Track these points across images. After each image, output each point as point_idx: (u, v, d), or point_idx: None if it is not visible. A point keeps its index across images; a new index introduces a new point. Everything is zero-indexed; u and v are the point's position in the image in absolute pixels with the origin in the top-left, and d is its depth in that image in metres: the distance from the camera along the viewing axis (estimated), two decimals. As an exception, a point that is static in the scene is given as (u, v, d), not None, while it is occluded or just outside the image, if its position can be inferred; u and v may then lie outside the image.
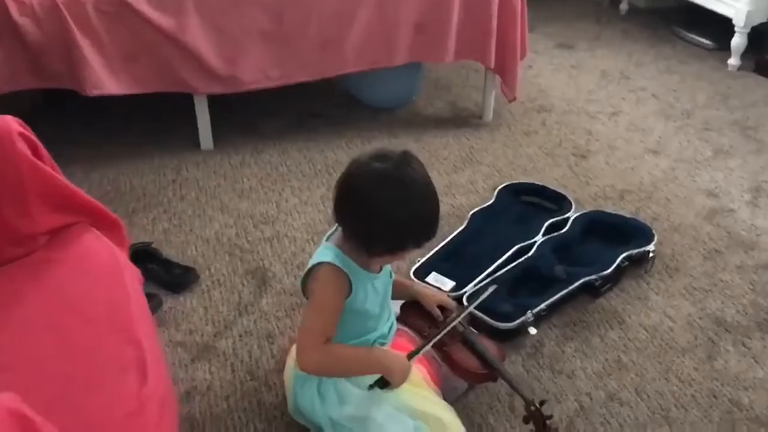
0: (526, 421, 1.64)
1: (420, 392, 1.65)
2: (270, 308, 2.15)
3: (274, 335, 2.05)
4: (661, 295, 2.21)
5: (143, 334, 1.47)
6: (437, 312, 1.81)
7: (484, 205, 2.53)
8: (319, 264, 1.54)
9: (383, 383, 1.58)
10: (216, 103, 2.92)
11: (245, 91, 2.85)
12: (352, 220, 1.51)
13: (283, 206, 2.63)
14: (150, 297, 2.11)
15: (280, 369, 1.88)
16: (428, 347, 1.68)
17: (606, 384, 1.90)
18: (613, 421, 1.80)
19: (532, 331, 2.03)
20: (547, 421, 1.60)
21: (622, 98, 3.48)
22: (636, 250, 2.28)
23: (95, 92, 2.65)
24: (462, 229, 2.41)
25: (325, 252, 1.56)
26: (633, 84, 3.62)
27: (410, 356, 1.62)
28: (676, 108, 3.38)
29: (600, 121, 3.26)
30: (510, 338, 2.00)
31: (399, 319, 1.80)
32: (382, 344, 1.68)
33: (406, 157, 1.51)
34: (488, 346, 1.80)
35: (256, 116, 3.21)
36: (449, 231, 2.44)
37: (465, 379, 1.79)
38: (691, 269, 2.32)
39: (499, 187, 2.62)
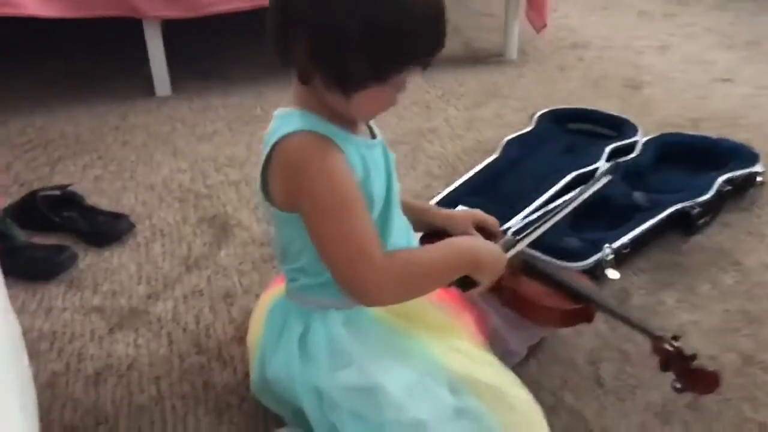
0: (664, 366, 1.01)
1: (463, 347, 1.00)
2: (231, 261, 1.51)
3: (234, 294, 1.40)
4: (780, 229, 1.57)
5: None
6: (477, 234, 1.17)
7: (522, 132, 1.91)
8: (287, 137, 0.90)
9: (466, 282, 1.03)
10: (175, 45, 2.33)
11: (206, 17, 2.25)
12: (310, 29, 0.85)
13: (256, 148, 2.00)
14: (56, 251, 1.48)
15: (242, 336, 1.24)
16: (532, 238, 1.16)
17: (735, 343, 1.25)
18: (762, 393, 1.15)
19: (613, 274, 1.38)
20: (692, 363, 0.98)
21: (670, 34, 2.88)
22: (739, 172, 1.64)
23: (9, 11, 2.05)
24: (495, 158, 1.78)
25: (286, 120, 0.92)
26: (679, 21, 3.03)
27: (504, 245, 1.10)
28: (736, 39, 2.79)
29: (649, 55, 2.66)
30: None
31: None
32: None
33: None
34: (567, 273, 1.17)
35: (223, 61, 2.61)
36: (475, 165, 1.82)
37: (546, 322, 1.16)
38: (813, 199, 1.68)
39: (539, 113, 2.00)
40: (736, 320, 1.30)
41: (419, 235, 1.18)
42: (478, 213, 1.21)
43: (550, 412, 1.11)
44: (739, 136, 1.98)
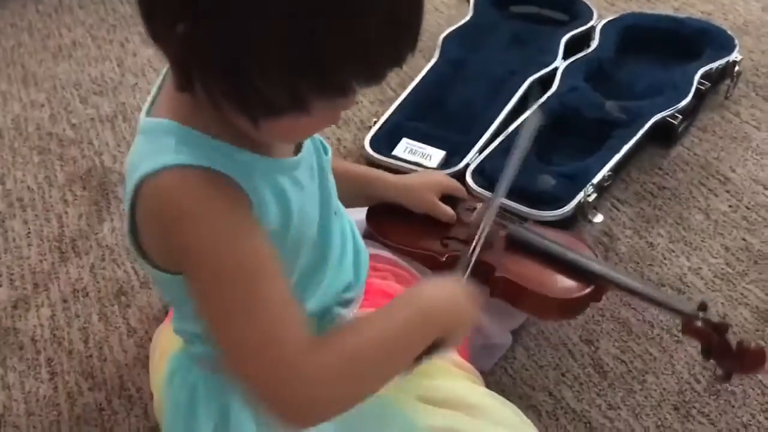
0: (707, 353, 0.81)
1: (441, 389, 0.75)
2: (118, 238, 1.18)
3: (128, 288, 1.09)
4: (763, 129, 1.37)
5: None
6: (445, 210, 0.89)
7: (459, 24, 1.58)
8: (156, 176, 0.54)
9: (432, 347, 0.66)
10: None
11: None
12: (207, 22, 0.49)
13: (130, 63, 1.59)
14: None
15: (147, 356, 0.94)
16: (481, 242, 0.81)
17: (744, 294, 1.06)
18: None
19: (597, 217, 1.16)
20: (728, 336, 0.79)
21: None
22: (716, 63, 1.40)
23: None
24: (434, 64, 1.46)
25: (155, 143, 0.57)
26: None
27: (457, 271, 0.77)
28: None
29: None
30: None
31: (371, 237, 0.87)
32: (348, 301, 0.76)
33: None
34: (560, 239, 0.90)
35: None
36: (411, 71, 1.50)
37: (551, 315, 0.92)
38: (791, 85, 1.48)
39: (474, -4, 1.66)
40: (740, 261, 1.11)
41: (361, 213, 0.89)
42: (442, 180, 0.92)
43: (550, 417, 0.91)
44: (696, 8, 1.73)
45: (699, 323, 0.80)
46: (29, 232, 1.19)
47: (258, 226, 0.57)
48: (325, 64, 0.50)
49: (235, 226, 0.56)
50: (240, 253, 0.55)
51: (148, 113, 0.60)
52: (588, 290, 0.84)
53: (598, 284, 0.85)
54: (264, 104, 0.52)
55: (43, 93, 1.51)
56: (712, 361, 0.82)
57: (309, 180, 0.66)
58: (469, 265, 0.78)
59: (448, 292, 0.67)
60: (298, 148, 0.65)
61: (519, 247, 0.88)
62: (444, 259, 0.84)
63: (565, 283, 0.85)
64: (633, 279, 0.88)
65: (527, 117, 1.12)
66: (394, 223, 0.88)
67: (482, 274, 0.83)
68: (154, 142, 0.56)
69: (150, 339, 0.92)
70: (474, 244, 0.81)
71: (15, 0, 1.84)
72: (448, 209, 0.89)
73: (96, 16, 1.77)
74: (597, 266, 0.86)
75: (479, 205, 0.91)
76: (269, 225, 0.58)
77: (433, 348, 0.65)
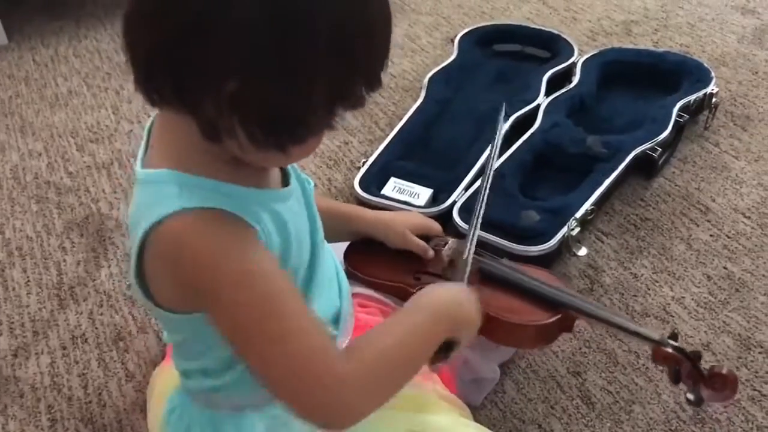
0: (675, 378, 0.82)
1: (432, 424, 0.78)
2: (116, 283, 1.20)
3: (126, 334, 1.11)
4: (742, 158, 1.41)
5: None
6: (418, 243, 0.93)
7: (445, 64, 1.62)
8: (166, 221, 0.58)
9: (444, 347, 0.74)
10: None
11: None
12: (183, 59, 0.54)
13: (125, 110, 1.63)
14: None
15: (145, 400, 0.97)
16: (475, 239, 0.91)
17: (726, 322, 1.09)
18: None
19: (582, 251, 1.19)
20: (701, 364, 0.80)
21: None
22: (694, 96, 1.45)
23: None
24: (420, 104, 1.51)
25: (157, 191, 0.60)
26: None
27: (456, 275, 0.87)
28: None
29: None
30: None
31: (350, 275, 0.90)
32: (333, 337, 0.78)
33: None
34: (533, 273, 0.94)
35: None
36: (398, 110, 1.54)
37: (522, 343, 0.96)
38: (767, 113, 1.52)
39: (459, 36, 1.71)
40: (721, 289, 1.14)
41: (342, 247, 0.93)
42: (415, 219, 0.96)
43: (541, 453, 0.93)
44: (674, 41, 1.78)
45: (668, 349, 0.82)
46: (28, 281, 1.22)
47: (270, 253, 0.62)
48: (351, 83, 0.57)
49: (251, 259, 0.59)
50: (262, 284, 0.60)
51: (143, 164, 0.64)
52: (555, 318, 0.87)
53: (566, 313, 0.88)
54: (303, 132, 0.58)
55: (41, 142, 1.55)
56: (681, 385, 0.84)
57: (300, 209, 0.70)
58: (465, 274, 0.86)
59: (452, 294, 0.76)
60: (285, 181, 0.70)
61: (491, 280, 0.91)
62: (415, 291, 0.87)
63: (532, 311, 0.88)
64: (600, 308, 0.90)
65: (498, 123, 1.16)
66: (369, 258, 0.93)
67: None
68: (157, 192, 0.60)
69: (147, 383, 0.95)
70: (467, 250, 0.89)
71: (12, 51, 1.89)
72: (421, 242, 0.93)
73: (91, 64, 1.82)
74: (564, 295, 0.89)
75: (451, 240, 0.95)
76: (274, 253, 0.63)
77: (447, 349, 0.74)
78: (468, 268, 0.87)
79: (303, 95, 0.55)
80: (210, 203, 0.58)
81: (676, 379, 0.83)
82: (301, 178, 0.74)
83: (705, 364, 0.80)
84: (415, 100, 1.52)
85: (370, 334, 0.69)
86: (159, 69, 0.56)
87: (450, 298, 0.75)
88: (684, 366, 0.81)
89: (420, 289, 0.87)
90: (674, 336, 0.84)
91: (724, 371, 0.78)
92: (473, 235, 0.91)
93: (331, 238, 0.83)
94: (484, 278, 0.91)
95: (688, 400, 0.80)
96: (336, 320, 0.78)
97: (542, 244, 1.14)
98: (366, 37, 0.56)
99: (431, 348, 0.71)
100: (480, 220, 0.94)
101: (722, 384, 0.79)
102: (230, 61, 0.53)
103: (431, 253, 0.93)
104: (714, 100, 1.46)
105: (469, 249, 0.90)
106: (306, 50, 0.53)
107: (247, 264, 0.59)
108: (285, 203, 0.66)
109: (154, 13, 0.54)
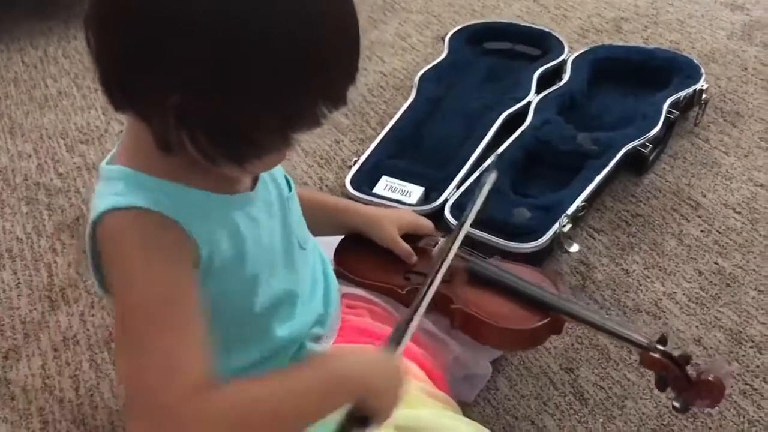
0: (661, 384, 0.82)
1: (413, 419, 0.77)
2: (108, 286, 1.20)
3: (119, 336, 1.11)
4: (732, 154, 1.41)
5: None
6: (403, 246, 0.92)
7: (435, 62, 1.62)
8: (104, 216, 0.60)
9: (359, 420, 0.66)
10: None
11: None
12: (151, 65, 0.54)
13: (115, 111, 1.62)
14: None
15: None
16: (421, 311, 0.76)
17: (717, 317, 1.09)
18: (759, 381, 1.01)
19: (573, 247, 1.19)
20: (689, 368, 0.80)
21: None
22: (684, 92, 1.45)
23: None
24: (411, 102, 1.50)
25: (108, 187, 0.61)
26: None
27: (391, 343, 0.72)
28: None
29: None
30: (533, 266, 1.12)
31: (339, 274, 0.89)
32: (318, 337, 0.78)
33: None
34: (523, 273, 0.93)
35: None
36: (390, 109, 1.54)
37: (510, 345, 0.96)
38: (757, 109, 1.53)
39: (450, 34, 1.71)
40: (713, 284, 1.15)
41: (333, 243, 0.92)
42: (406, 217, 0.96)
43: (534, 449, 0.93)
44: (663, 38, 1.79)
45: (656, 354, 0.81)
46: (19, 283, 1.21)
47: (191, 270, 0.61)
48: (307, 106, 0.57)
49: (158, 264, 0.59)
50: (156, 291, 0.59)
51: (110, 161, 0.65)
52: (543, 322, 0.87)
53: (555, 316, 0.88)
54: (256, 150, 0.59)
55: (30, 143, 1.54)
56: (669, 391, 0.83)
57: (266, 215, 0.70)
58: (408, 324, 0.74)
59: (369, 363, 0.68)
60: (254, 184, 0.70)
61: (479, 281, 0.91)
62: (404, 292, 0.87)
63: (520, 314, 0.88)
64: (590, 311, 0.90)
65: (483, 173, 1.13)
66: (359, 257, 0.92)
67: (442, 306, 0.86)
68: (105, 187, 0.61)
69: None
70: (428, 282, 0.79)
71: (0, 52, 1.88)
72: (406, 246, 0.92)
73: (81, 65, 1.81)
74: (553, 298, 0.89)
75: (441, 240, 0.94)
76: (222, 259, 0.63)
77: (362, 422, 0.65)
78: (408, 336, 0.74)
79: (247, 115, 0.55)
80: (149, 204, 0.59)
81: (662, 386, 0.82)
82: (278, 182, 0.74)
83: (696, 359, 0.80)
84: (406, 99, 1.52)
85: (256, 377, 0.64)
86: (112, 77, 0.57)
87: (364, 367, 0.67)
88: (671, 371, 0.81)
89: (410, 290, 0.87)
90: (663, 340, 0.83)
91: (711, 378, 0.78)
92: (433, 280, 0.80)
93: (318, 230, 0.83)
94: (472, 278, 0.91)
95: (674, 407, 0.80)
96: (321, 321, 0.78)
97: (534, 241, 1.14)
98: (321, 61, 0.56)
99: (315, 412, 0.63)
100: (443, 266, 0.83)
101: (709, 390, 0.79)
102: (174, 75, 0.53)
103: (414, 258, 0.92)
104: (704, 96, 1.47)
105: (429, 282, 0.79)
106: (253, 71, 0.53)
107: (153, 266, 0.59)
108: (246, 208, 0.67)
109: (105, 23, 0.56)
